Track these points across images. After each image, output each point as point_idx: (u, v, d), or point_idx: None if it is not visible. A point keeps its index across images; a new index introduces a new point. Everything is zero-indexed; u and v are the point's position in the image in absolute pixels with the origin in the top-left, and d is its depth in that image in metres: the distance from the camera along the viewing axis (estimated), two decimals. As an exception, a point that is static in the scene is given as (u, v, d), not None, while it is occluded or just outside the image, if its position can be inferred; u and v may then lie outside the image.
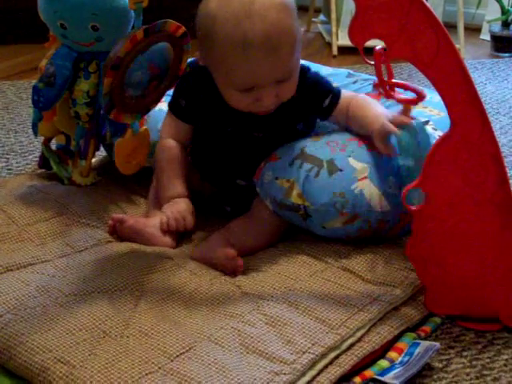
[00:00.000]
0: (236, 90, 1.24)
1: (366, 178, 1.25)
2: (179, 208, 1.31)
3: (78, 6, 1.33)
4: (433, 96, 1.47)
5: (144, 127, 1.40)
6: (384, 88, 1.15)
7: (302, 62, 1.32)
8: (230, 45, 1.18)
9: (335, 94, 1.34)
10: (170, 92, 1.44)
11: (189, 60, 1.36)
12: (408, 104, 1.23)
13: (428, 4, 1.01)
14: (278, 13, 1.18)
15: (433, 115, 1.42)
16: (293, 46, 1.21)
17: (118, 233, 1.33)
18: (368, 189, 1.25)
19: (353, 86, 1.57)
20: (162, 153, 1.37)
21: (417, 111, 1.44)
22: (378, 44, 1.07)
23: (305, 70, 1.32)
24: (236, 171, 1.35)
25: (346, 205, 1.24)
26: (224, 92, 1.27)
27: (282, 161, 1.29)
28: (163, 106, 1.47)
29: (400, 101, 1.22)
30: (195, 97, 1.33)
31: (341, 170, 1.26)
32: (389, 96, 1.19)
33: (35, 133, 1.49)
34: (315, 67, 1.42)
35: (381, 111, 1.29)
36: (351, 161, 1.27)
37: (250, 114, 1.28)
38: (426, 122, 1.39)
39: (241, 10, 1.17)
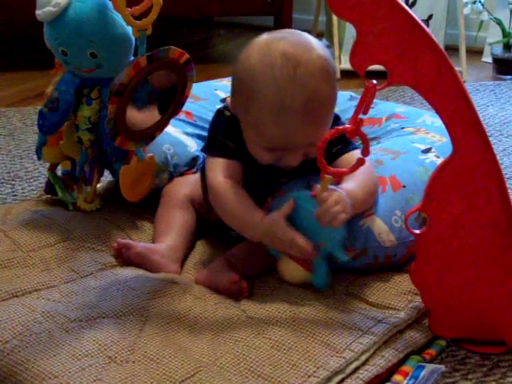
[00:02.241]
0: (261, 147, 1.23)
1: (372, 214, 1.25)
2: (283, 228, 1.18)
3: (76, 34, 1.35)
4: (435, 121, 1.48)
5: (150, 154, 1.41)
6: (352, 123, 1.11)
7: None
8: (267, 108, 1.17)
9: (347, 145, 1.28)
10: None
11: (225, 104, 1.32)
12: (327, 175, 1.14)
13: (429, 29, 1.02)
14: (320, 81, 1.16)
15: (435, 141, 1.43)
16: (330, 114, 1.20)
17: (124, 258, 1.33)
18: (375, 225, 1.25)
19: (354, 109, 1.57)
20: (224, 189, 1.24)
21: (419, 137, 1.45)
22: (379, 69, 1.07)
23: (336, 119, 1.29)
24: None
25: (354, 241, 1.24)
26: (249, 145, 1.25)
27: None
28: (167, 128, 1.49)
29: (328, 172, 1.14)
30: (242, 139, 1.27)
31: None
32: (354, 133, 1.10)
33: (39, 157, 1.50)
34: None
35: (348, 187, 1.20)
36: None
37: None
38: (428, 150, 1.40)
39: (284, 75, 1.15)
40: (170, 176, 1.48)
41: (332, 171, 1.14)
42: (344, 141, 1.26)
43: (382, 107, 1.63)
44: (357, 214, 1.23)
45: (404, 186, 1.30)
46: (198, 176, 1.45)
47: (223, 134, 1.29)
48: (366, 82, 1.06)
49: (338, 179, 1.17)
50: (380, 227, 1.25)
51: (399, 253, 1.28)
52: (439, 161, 1.34)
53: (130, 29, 1.35)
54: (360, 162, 1.13)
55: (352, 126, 1.09)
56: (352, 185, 1.19)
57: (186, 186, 1.44)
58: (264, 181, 1.31)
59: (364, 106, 1.07)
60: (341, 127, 1.12)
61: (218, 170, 1.26)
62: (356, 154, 1.28)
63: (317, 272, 1.20)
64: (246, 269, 1.27)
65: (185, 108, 1.53)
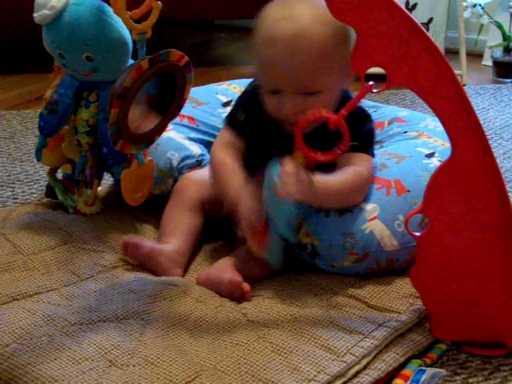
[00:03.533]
0: (266, 92, 1.25)
1: (375, 218, 1.25)
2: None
3: (71, 37, 1.36)
4: (438, 125, 1.47)
5: (149, 158, 1.41)
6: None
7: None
8: (261, 40, 1.22)
9: (364, 146, 1.28)
10: (176, 120, 1.45)
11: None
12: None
13: (429, 32, 1.02)
14: (316, 25, 1.18)
15: (438, 145, 1.43)
16: (321, 58, 1.19)
17: (130, 256, 1.32)
18: (378, 229, 1.25)
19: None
20: (215, 158, 1.32)
21: (422, 141, 1.44)
22: (379, 72, 1.07)
23: (366, 117, 1.30)
24: None
25: (356, 245, 1.24)
26: (261, 95, 1.27)
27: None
28: (171, 134, 1.49)
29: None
30: (257, 112, 1.29)
31: (351, 212, 1.26)
32: (336, 123, 1.12)
33: (38, 159, 1.50)
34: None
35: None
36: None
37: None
38: (432, 154, 1.40)
39: (283, 12, 1.20)
40: (174, 182, 1.47)
41: (304, 152, 1.13)
42: (364, 141, 1.27)
43: (384, 111, 1.63)
44: (361, 219, 1.24)
45: (408, 191, 1.30)
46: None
47: (236, 105, 1.36)
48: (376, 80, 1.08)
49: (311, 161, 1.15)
50: (382, 231, 1.25)
51: (402, 258, 1.27)
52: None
53: (127, 33, 1.36)
54: (333, 153, 1.13)
55: (336, 117, 1.11)
56: (328, 178, 1.20)
57: (198, 185, 1.41)
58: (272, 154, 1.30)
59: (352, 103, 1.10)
60: (325, 113, 1.12)
61: (221, 140, 1.34)
62: (366, 158, 1.27)
63: (270, 249, 1.19)
64: (248, 272, 1.27)
65: (188, 113, 1.54)
